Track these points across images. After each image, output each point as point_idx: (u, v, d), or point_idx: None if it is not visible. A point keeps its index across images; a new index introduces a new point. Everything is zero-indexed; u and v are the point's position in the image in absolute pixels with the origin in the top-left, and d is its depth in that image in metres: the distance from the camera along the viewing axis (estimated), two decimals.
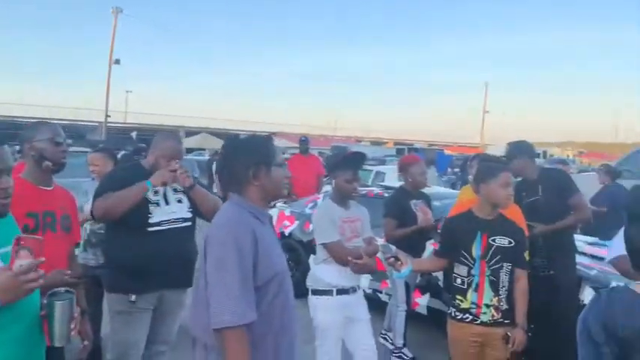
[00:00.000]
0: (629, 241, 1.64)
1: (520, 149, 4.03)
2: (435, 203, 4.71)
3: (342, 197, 3.14)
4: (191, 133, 32.70)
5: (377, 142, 46.58)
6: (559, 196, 3.87)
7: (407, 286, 4.24)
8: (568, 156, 38.88)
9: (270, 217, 1.96)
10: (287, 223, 6.07)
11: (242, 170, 1.81)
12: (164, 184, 2.88)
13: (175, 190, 3.01)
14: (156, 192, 2.91)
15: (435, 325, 4.45)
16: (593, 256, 4.31)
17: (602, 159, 25.83)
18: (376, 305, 4.40)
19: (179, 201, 2.99)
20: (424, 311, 4.68)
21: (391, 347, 4.33)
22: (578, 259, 4.08)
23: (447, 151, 33.99)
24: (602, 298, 1.66)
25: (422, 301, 4.69)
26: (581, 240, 4.64)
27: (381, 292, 5.01)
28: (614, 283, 3.99)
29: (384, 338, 4.52)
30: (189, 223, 3.01)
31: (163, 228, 2.88)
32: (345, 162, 3.11)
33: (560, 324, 3.83)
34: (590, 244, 4.71)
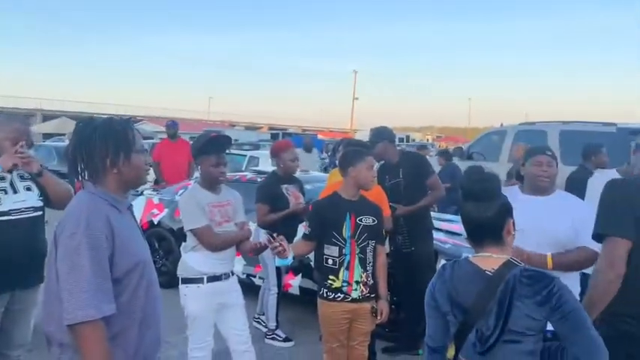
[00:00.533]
0: (464, 218, 1.80)
1: (381, 134, 4.25)
2: (307, 187, 4.83)
3: (210, 182, 3.07)
4: (49, 117, 29.96)
5: (251, 127, 46.33)
6: (418, 177, 4.15)
7: (278, 268, 4.31)
8: (428, 140, 41.91)
9: (130, 206, 1.86)
10: (156, 211, 5.82)
11: (98, 157, 1.68)
12: (13, 168, 2.63)
13: (22, 178, 2.75)
14: (2, 178, 2.65)
15: (307, 305, 4.59)
16: (447, 232, 4.70)
17: (458, 142, 28.25)
18: (250, 290, 4.42)
19: (28, 189, 2.75)
20: (297, 292, 4.80)
21: (264, 330, 4.39)
22: (436, 235, 4.43)
23: (319, 136, 34.83)
24: (446, 270, 1.81)
25: (294, 282, 4.80)
26: (436, 217, 5.04)
27: (254, 277, 5.03)
28: (464, 256, 4.42)
29: (258, 322, 4.58)
30: (39, 213, 2.78)
31: (13, 217, 2.64)
32: (209, 146, 3.02)
33: (422, 296, 4.15)
34: (445, 220, 5.14)
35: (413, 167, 4.19)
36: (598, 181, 3.28)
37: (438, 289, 1.80)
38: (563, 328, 1.61)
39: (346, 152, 3.19)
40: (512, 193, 2.45)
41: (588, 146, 4.61)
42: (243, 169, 8.87)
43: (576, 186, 4.00)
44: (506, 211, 1.76)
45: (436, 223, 4.66)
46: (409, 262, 4.13)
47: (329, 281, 2.93)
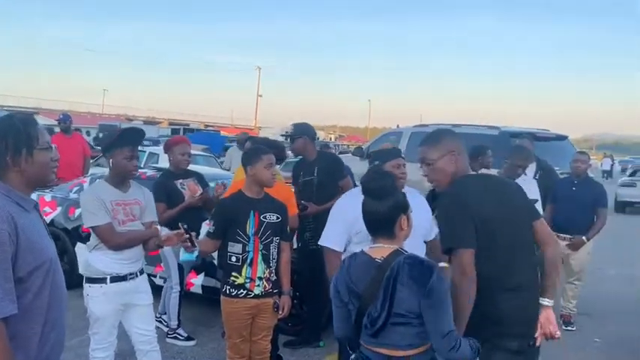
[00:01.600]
0: (362, 212, 1.97)
1: (302, 130, 4.33)
2: (212, 184, 4.82)
3: (120, 178, 2.97)
4: None
5: (150, 122, 44.52)
6: (331, 177, 4.25)
7: (180, 267, 4.28)
8: (330, 139, 42.77)
9: (37, 204, 1.80)
10: (48, 209, 5.50)
11: None
12: None
13: None
14: None
15: (209, 304, 4.59)
16: None
17: (358, 142, 29.18)
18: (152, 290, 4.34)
19: None
20: (199, 290, 4.77)
21: (166, 329, 4.33)
22: None
23: (222, 133, 34.32)
24: (346, 262, 1.98)
25: (197, 281, 4.77)
26: None
27: (155, 277, 4.93)
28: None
29: (159, 321, 4.49)
30: None
31: None
32: (123, 138, 2.93)
33: (325, 292, 4.30)
34: None
35: (328, 166, 4.29)
36: None
37: (339, 280, 1.95)
38: (428, 315, 1.79)
39: (246, 151, 3.24)
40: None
41: (475, 148, 5.01)
42: (142, 165, 8.58)
43: None
44: (399, 207, 1.93)
45: None
46: (315, 259, 4.12)
47: (232, 278, 2.98)
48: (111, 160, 2.95)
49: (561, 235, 4.85)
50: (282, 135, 4.49)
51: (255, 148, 3.22)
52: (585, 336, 4.79)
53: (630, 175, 17.56)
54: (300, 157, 4.41)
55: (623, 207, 15.72)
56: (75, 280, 4.01)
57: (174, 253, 4.15)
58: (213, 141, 21.78)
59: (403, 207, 1.95)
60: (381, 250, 1.91)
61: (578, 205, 4.91)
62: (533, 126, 7.95)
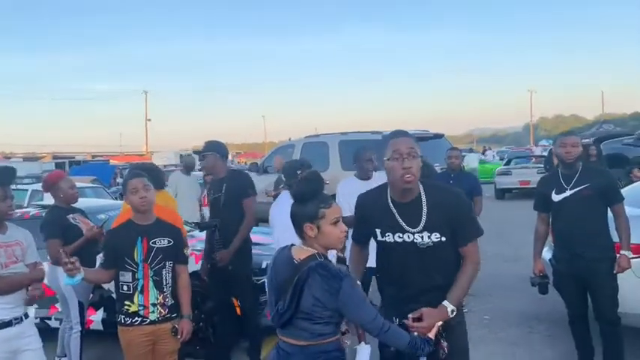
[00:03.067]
0: (292, 216, 2.13)
1: (213, 147, 4.29)
2: (101, 216, 4.69)
3: None
4: None
5: (31, 157, 41.35)
6: (238, 195, 4.24)
7: (80, 305, 4.12)
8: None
9: None
10: None
11: None
12: None
13: None
14: None
15: (114, 338, 4.44)
16: (255, 243, 4.93)
17: (256, 158, 29.21)
18: (46, 333, 4.13)
19: None
20: (100, 327, 4.61)
21: None
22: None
23: (112, 162, 32.80)
24: (275, 255, 2.22)
25: (96, 318, 4.61)
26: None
27: (50, 319, 4.69)
28: (264, 264, 4.73)
29: None
30: None
31: None
32: None
33: (233, 312, 4.33)
34: (255, 232, 5.38)
35: (236, 184, 4.26)
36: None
37: (270, 268, 2.18)
38: (348, 314, 2.03)
39: (123, 181, 3.23)
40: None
41: (357, 152, 5.32)
42: (26, 204, 8.07)
43: None
44: (304, 215, 2.07)
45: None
46: (225, 279, 4.21)
47: (125, 307, 2.95)
48: None
49: None
50: (194, 152, 4.46)
51: (127, 175, 3.23)
52: (476, 314, 5.22)
53: (506, 164, 18.61)
54: (211, 175, 4.43)
55: (502, 194, 16.90)
56: None
57: (76, 290, 3.99)
58: (102, 171, 20.83)
59: (308, 216, 2.06)
60: (300, 251, 2.09)
61: None
62: (416, 128, 8.52)
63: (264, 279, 4.65)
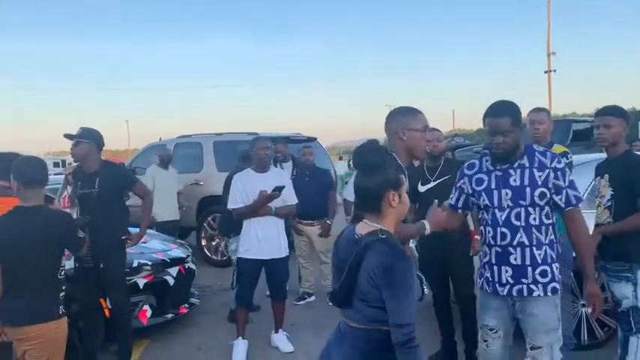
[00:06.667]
0: (354, 186, 1.96)
1: (90, 135, 3.95)
2: None
3: None
4: None
5: None
6: (116, 190, 4.00)
7: None
8: None
9: None
10: None
11: None
12: None
13: None
14: None
15: None
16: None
17: (121, 163, 27.57)
18: None
19: None
20: None
21: None
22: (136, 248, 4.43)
23: None
24: (342, 231, 2.07)
25: None
26: None
27: None
28: (135, 263, 4.52)
29: None
30: None
31: None
32: None
33: (101, 313, 4.09)
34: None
35: (112, 178, 3.97)
36: None
37: (334, 245, 2.06)
38: (386, 303, 1.79)
39: None
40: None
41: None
42: None
43: None
44: (385, 183, 1.90)
45: None
46: (94, 279, 3.94)
47: None
48: None
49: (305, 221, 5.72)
50: (65, 135, 3.94)
51: None
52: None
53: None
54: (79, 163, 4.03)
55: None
56: None
57: None
58: None
59: (393, 182, 1.91)
60: (364, 227, 1.92)
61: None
62: (288, 131, 8.70)
63: (135, 279, 4.49)
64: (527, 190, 2.55)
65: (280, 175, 4.59)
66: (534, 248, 2.56)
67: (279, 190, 4.25)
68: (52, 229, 2.84)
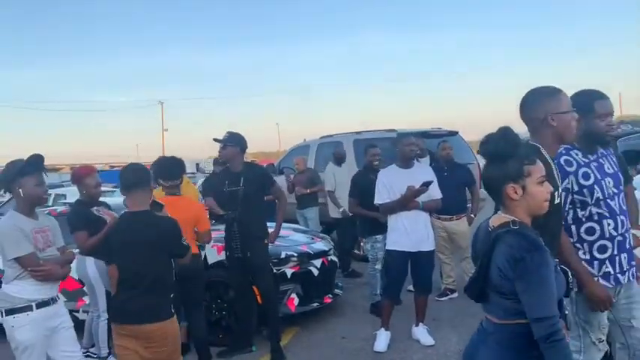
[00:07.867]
0: (487, 179, 1.91)
1: (235, 139, 4.40)
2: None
3: (31, 205, 3.04)
4: None
5: (50, 169, 41.88)
6: (258, 188, 4.40)
7: (108, 293, 4.26)
8: None
9: None
10: None
11: None
12: None
13: None
14: None
15: None
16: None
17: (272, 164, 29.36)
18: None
19: None
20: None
21: None
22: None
23: None
24: (477, 228, 2.02)
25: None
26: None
27: (78, 312, 4.85)
28: (283, 254, 4.89)
29: (88, 355, 4.43)
30: None
31: None
32: (29, 166, 3.00)
33: (252, 298, 4.50)
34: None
35: (255, 178, 4.38)
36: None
37: (473, 237, 2.04)
38: (520, 296, 1.73)
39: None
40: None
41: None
42: (50, 204, 8.29)
43: None
44: (503, 175, 1.82)
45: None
46: (243, 268, 4.36)
47: None
48: (20, 190, 3.00)
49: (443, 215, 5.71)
50: (214, 139, 4.51)
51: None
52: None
53: None
54: (227, 165, 4.51)
55: None
56: None
57: (103, 279, 4.15)
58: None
59: (512, 175, 1.82)
60: (497, 219, 1.87)
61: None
62: (431, 126, 8.52)
63: (284, 269, 4.85)
64: (620, 175, 2.62)
65: (427, 170, 4.68)
66: (631, 230, 2.64)
67: (427, 185, 4.33)
68: (159, 236, 2.82)
